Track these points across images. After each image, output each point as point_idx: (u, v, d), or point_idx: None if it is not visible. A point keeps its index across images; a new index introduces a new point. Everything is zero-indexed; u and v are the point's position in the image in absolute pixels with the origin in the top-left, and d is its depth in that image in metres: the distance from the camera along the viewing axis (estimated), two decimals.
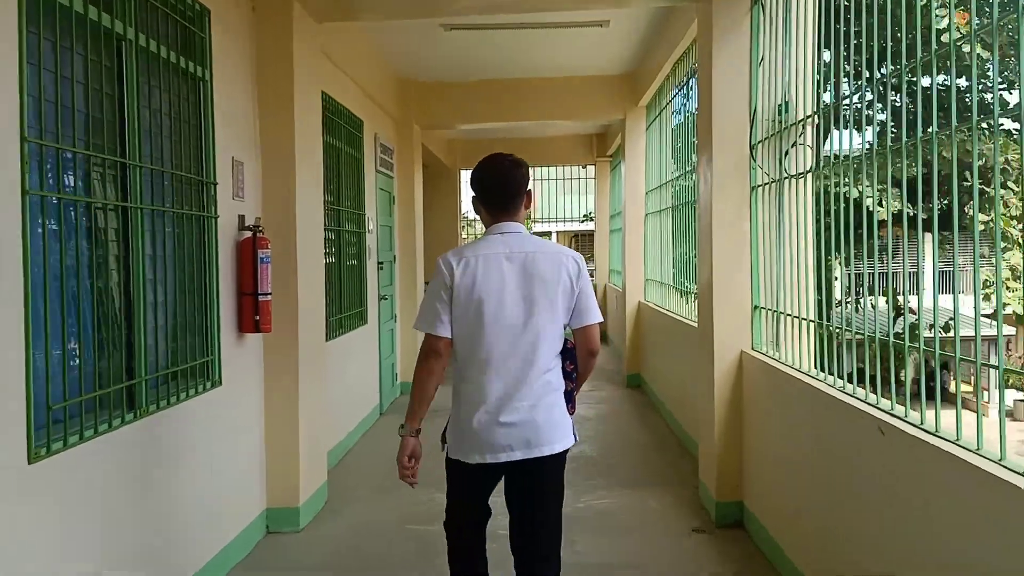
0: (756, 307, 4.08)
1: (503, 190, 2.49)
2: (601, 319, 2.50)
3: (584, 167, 13.98)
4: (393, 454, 2.55)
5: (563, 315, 2.44)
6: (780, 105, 3.87)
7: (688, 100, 6.04)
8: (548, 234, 24.35)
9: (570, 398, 2.54)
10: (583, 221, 14.69)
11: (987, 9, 2.14)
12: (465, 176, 12.61)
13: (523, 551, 2.53)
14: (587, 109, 8.06)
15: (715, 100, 4.11)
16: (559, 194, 13.11)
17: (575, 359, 2.54)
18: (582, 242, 24.09)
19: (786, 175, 3.78)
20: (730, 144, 4.09)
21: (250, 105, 4.00)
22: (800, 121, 3.65)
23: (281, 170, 4.10)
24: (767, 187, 3.96)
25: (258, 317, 3.78)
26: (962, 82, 6.19)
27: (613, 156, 11.91)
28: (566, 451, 2.48)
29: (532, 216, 21.03)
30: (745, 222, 4.10)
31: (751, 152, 4.07)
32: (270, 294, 3.84)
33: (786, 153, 3.84)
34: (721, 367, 4.09)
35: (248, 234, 3.82)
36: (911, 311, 8.45)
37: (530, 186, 2.56)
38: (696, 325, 4.85)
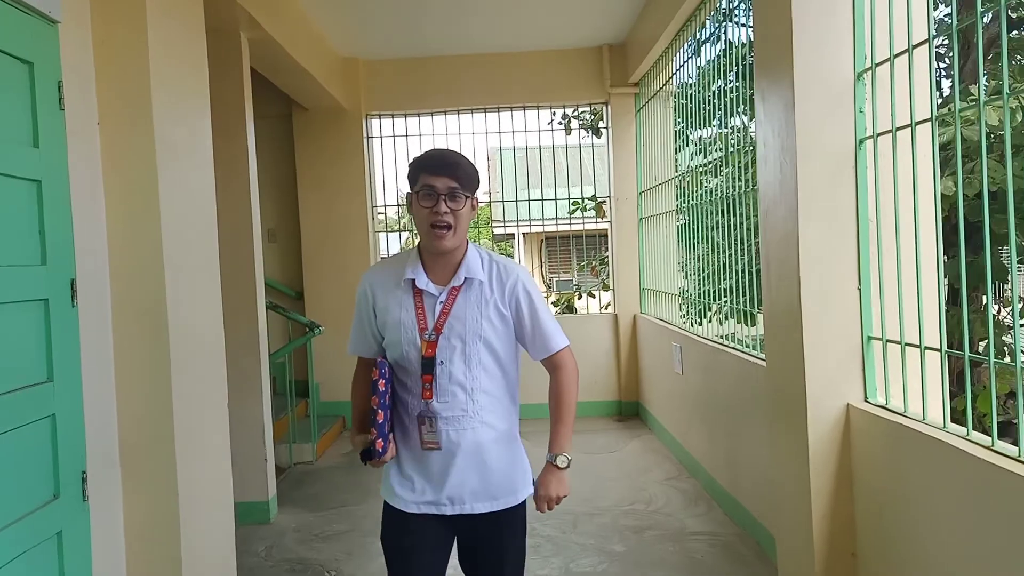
0: None
1: None
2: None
3: (566, 117, 8.45)
4: None
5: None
6: None
7: None
8: (511, 238, 18.73)
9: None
10: (573, 212, 8.66)
11: None
12: (378, 127, 7.12)
13: None
14: None
15: None
16: (524, 170, 7.63)
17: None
18: (557, 250, 15.90)
19: None
20: None
21: None
22: None
23: None
24: None
25: None
26: None
27: (639, 84, 6.65)
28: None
29: (482, 217, 15.22)
30: None
31: None
32: None
33: None
34: None
35: None
36: None
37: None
38: None
